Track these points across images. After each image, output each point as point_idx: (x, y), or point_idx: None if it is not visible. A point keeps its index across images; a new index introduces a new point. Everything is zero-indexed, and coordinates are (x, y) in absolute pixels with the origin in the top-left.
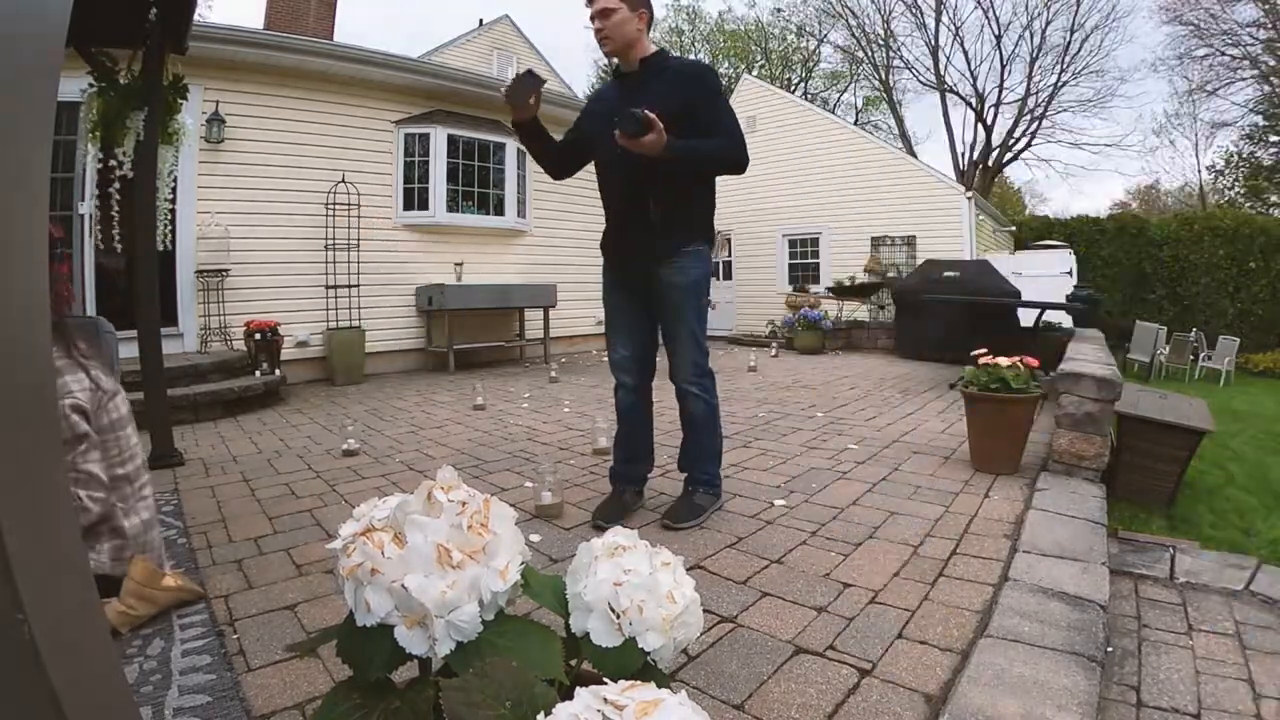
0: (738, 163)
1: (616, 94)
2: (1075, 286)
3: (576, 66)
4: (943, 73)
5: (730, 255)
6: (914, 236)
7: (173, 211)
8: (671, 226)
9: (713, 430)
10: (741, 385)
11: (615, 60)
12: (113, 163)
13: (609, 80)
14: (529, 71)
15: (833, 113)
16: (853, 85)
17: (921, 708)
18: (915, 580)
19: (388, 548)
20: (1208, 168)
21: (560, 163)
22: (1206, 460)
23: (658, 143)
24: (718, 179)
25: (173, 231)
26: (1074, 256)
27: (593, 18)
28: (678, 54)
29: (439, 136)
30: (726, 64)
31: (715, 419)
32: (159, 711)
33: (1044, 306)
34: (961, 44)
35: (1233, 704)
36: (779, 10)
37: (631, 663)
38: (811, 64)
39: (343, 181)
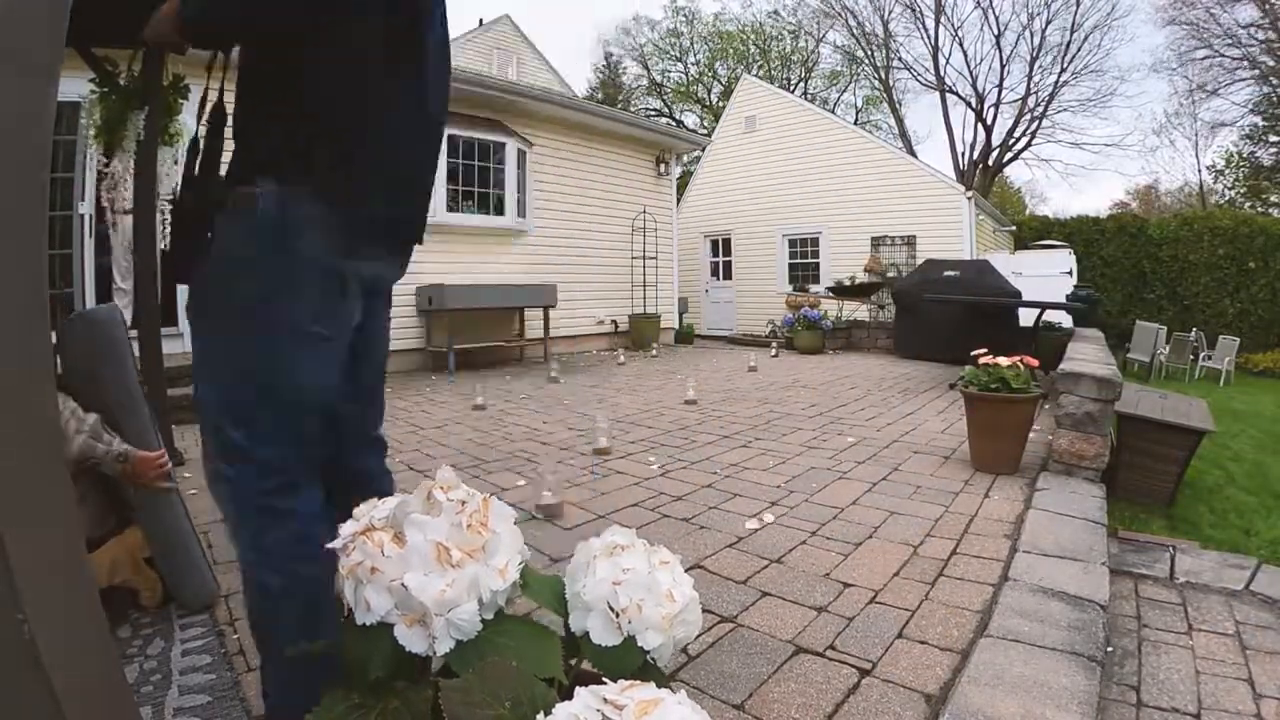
0: None
1: None
2: (1075, 286)
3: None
4: (942, 72)
5: (730, 255)
6: (914, 236)
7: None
8: (237, 159)
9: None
10: (741, 385)
11: None
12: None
13: None
14: None
15: (833, 113)
16: (852, 85)
17: (921, 708)
18: (915, 580)
19: (387, 547)
20: (1208, 168)
21: None
22: (1206, 460)
23: (164, 19)
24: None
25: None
26: (1074, 256)
27: None
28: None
29: None
30: (726, 65)
31: (269, 605)
32: (159, 711)
33: (1044, 306)
34: (961, 44)
35: (1233, 704)
36: (776, 13)
37: (631, 662)
38: (811, 64)
39: None
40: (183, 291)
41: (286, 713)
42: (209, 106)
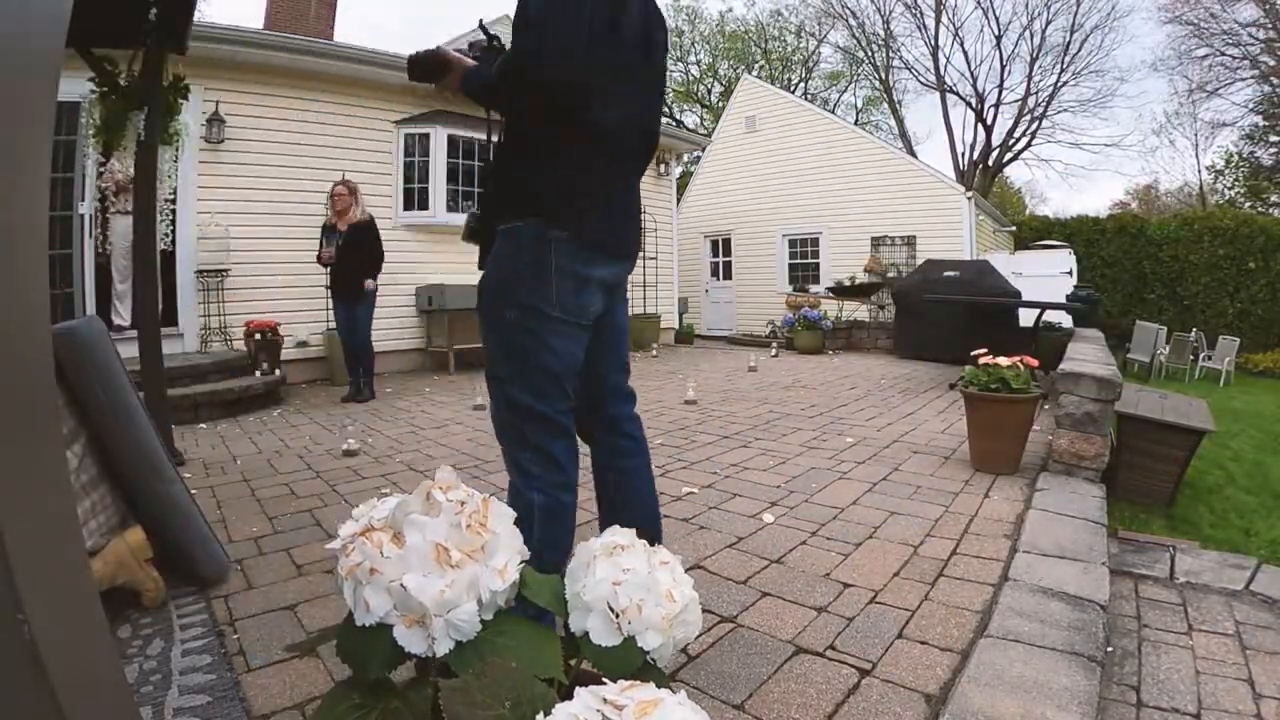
0: (515, 72)
1: None
2: (1075, 286)
3: None
4: (943, 73)
5: (730, 255)
6: (914, 236)
7: (173, 211)
8: (488, 198)
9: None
10: (741, 385)
11: None
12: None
13: None
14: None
15: (833, 113)
16: (853, 85)
17: (921, 708)
18: (915, 580)
19: (386, 547)
20: (1208, 168)
21: None
22: (1206, 460)
23: (452, 83)
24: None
25: (173, 231)
26: (1074, 256)
27: None
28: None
29: (439, 136)
30: (726, 64)
31: (526, 523)
32: (159, 711)
33: (1044, 306)
34: (961, 44)
35: (1233, 704)
36: (779, 13)
37: (631, 662)
38: (811, 64)
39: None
40: (184, 290)
41: None
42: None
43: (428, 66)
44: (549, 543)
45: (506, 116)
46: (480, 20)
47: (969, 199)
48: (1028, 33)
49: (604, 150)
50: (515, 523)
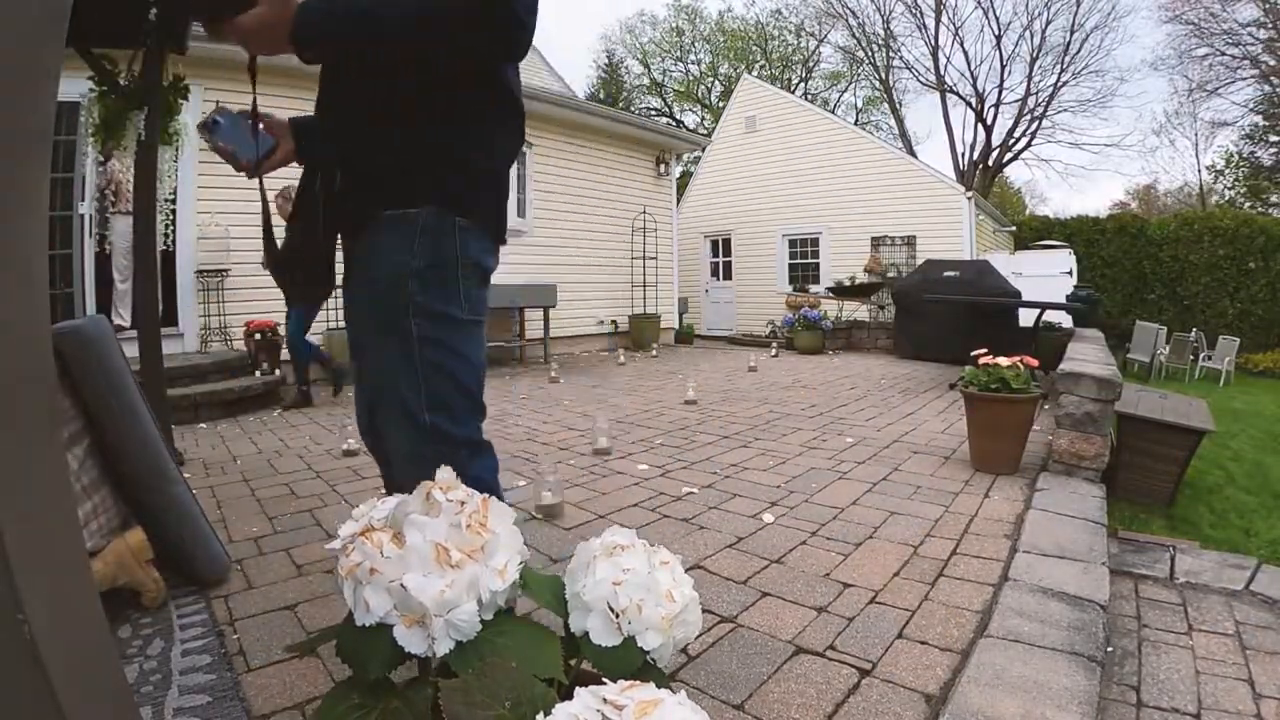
0: (465, 13)
1: None
2: (1075, 286)
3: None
4: (943, 73)
5: (730, 255)
6: (914, 236)
7: (173, 211)
8: (359, 174)
9: None
10: (741, 385)
11: None
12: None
13: None
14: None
15: (833, 113)
16: (853, 85)
17: (921, 708)
18: (915, 580)
19: (386, 547)
20: (1208, 168)
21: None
22: (1206, 460)
23: (269, 25)
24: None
25: (173, 231)
26: (1074, 256)
27: None
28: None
29: None
30: (726, 64)
31: None
32: (159, 711)
33: (1044, 306)
34: (961, 44)
35: (1233, 704)
36: (779, 12)
37: (631, 662)
38: (811, 64)
39: None
40: (184, 290)
41: None
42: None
43: None
44: None
45: (393, 69)
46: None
47: (969, 199)
48: (1028, 33)
49: (512, 119)
50: None
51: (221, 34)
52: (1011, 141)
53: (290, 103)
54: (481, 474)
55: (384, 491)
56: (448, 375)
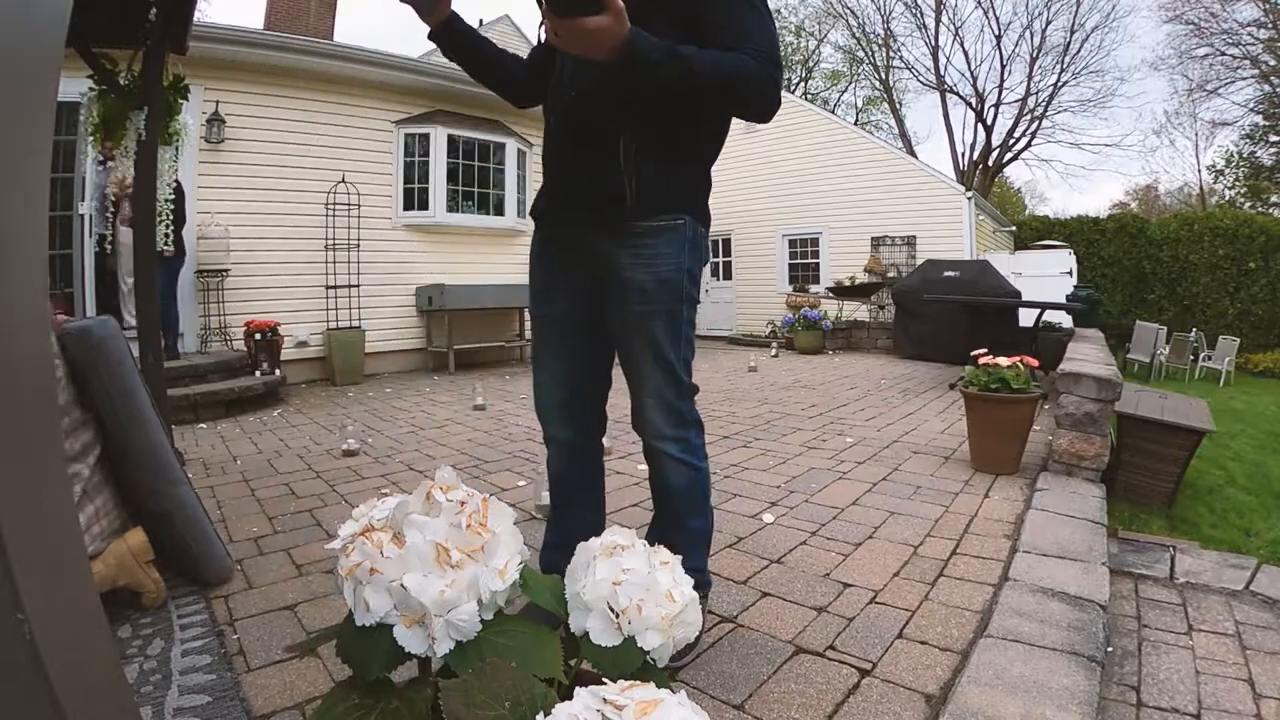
0: (760, 95)
1: None
2: (1075, 286)
3: None
4: (943, 73)
5: (730, 255)
6: (914, 236)
7: (173, 212)
8: (643, 179)
9: (698, 509)
10: (742, 385)
11: None
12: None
13: None
14: None
15: (833, 113)
16: (853, 85)
17: (921, 708)
18: (915, 580)
19: (387, 547)
20: (1208, 168)
21: (514, 80)
22: (1206, 460)
23: (608, 33)
24: (724, 133)
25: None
26: (1074, 256)
27: None
28: None
29: (439, 136)
30: None
31: (702, 491)
32: (159, 711)
33: (1044, 306)
34: (961, 44)
35: (1233, 704)
36: (779, 12)
37: (631, 662)
38: (811, 64)
39: (343, 181)
40: (184, 290)
41: (699, 573)
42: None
43: None
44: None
45: (671, 96)
46: None
47: (969, 199)
48: (1028, 33)
49: (719, 147)
50: (697, 495)
51: (561, 29)
52: (1011, 141)
53: (291, 102)
54: (696, 413)
55: (385, 491)
56: (688, 341)
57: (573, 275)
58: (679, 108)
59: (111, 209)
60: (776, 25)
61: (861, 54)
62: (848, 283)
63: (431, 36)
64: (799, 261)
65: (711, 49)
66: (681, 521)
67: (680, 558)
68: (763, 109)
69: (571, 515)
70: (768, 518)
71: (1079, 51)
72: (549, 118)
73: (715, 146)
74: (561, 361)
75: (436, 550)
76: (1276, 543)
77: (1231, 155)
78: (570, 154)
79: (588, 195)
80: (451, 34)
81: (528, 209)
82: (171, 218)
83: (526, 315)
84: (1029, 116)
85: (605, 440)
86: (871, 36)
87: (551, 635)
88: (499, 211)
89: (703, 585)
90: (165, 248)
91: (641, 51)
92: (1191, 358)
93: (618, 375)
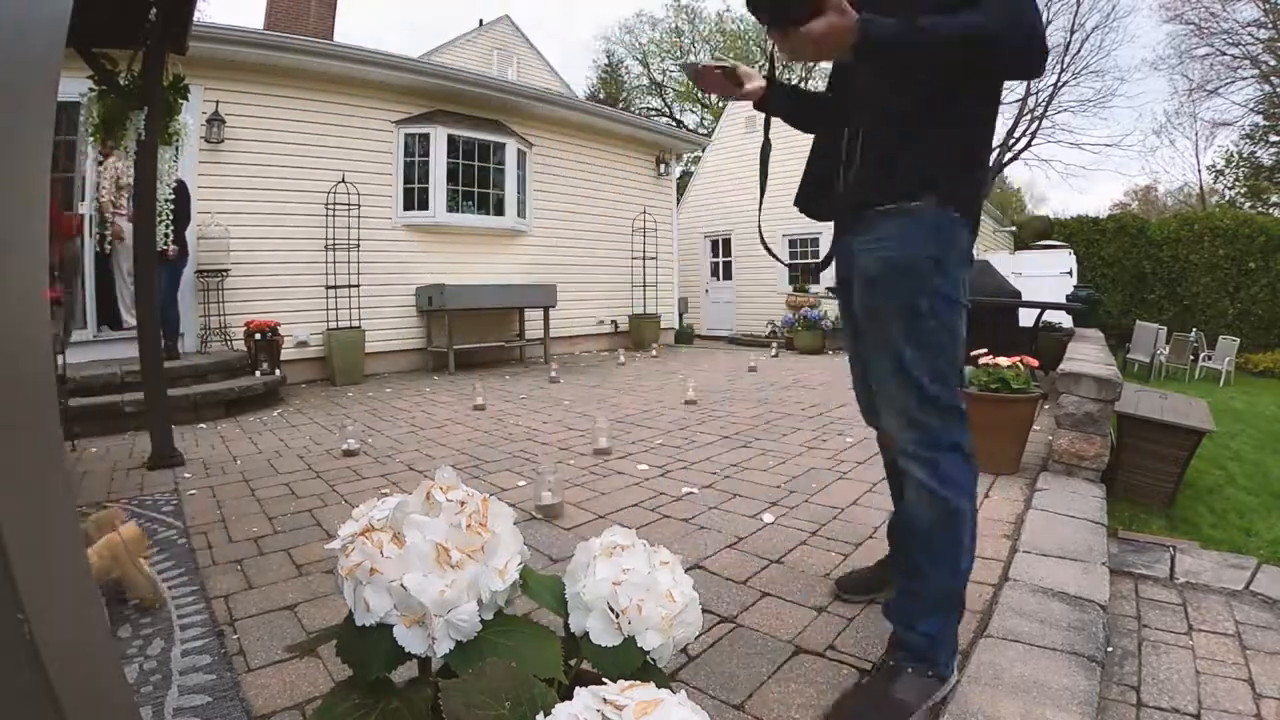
0: (1010, 45)
1: None
2: (1075, 286)
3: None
4: None
5: (730, 255)
6: None
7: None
8: (870, 164)
9: (943, 553)
10: (742, 385)
11: None
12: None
13: None
14: (696, 66)
15: None
16: None
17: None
18: None
19: (387, 547)
20: (1208, 168)
21: (826, 114)
22: (1206, 460)
23: (838, 30)
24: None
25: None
26: (1074, 256)
27: None
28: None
29: (439, 136)
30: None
31: (950, 532)
32: (159, 711)
33: (1044, 306)
34: None
35: (1233, 704)
36: None
37: (631, 662)
38: (811, 64)
39: (343, 181)
40: (184, 290)
41: (930, 641)
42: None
43: (791, 2)
44: (971, 553)
45: (913, 70)
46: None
47: None
48: None
49: (995, 113)
50: (943, 537)
51: (787, 40)
52: (1011, 141)
53: (291, 102)
54: (965, 440)
55: (385, 491)
56: (950, 353)
57: (839, 270)
58: (922, 76)
59: (112, 209)
60: None
61: None
62: None
63: (757, 107)
64: (799, 261)
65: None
66: (919, 563)
67: (678, 556)
68: (1023, 61)
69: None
70: (768, 518)
71: (1079, 51)
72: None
73: (968, 120)
74: (852, 360)
75: (436, 550)
76: (1276, 543)
77: (1231, 155)
78: (827, 152)
79: (841, 188)
80: (771, 97)
81: (528, 209)
82: (172, 217)
83: (526, 315)
84: (1029, 116)
85: (605, 440)
86: None
87: (551, 635)
88: (499, 211)
89: (925, 660)
90: (169, 247)
91: (878, 34)
92: (1191, 358)
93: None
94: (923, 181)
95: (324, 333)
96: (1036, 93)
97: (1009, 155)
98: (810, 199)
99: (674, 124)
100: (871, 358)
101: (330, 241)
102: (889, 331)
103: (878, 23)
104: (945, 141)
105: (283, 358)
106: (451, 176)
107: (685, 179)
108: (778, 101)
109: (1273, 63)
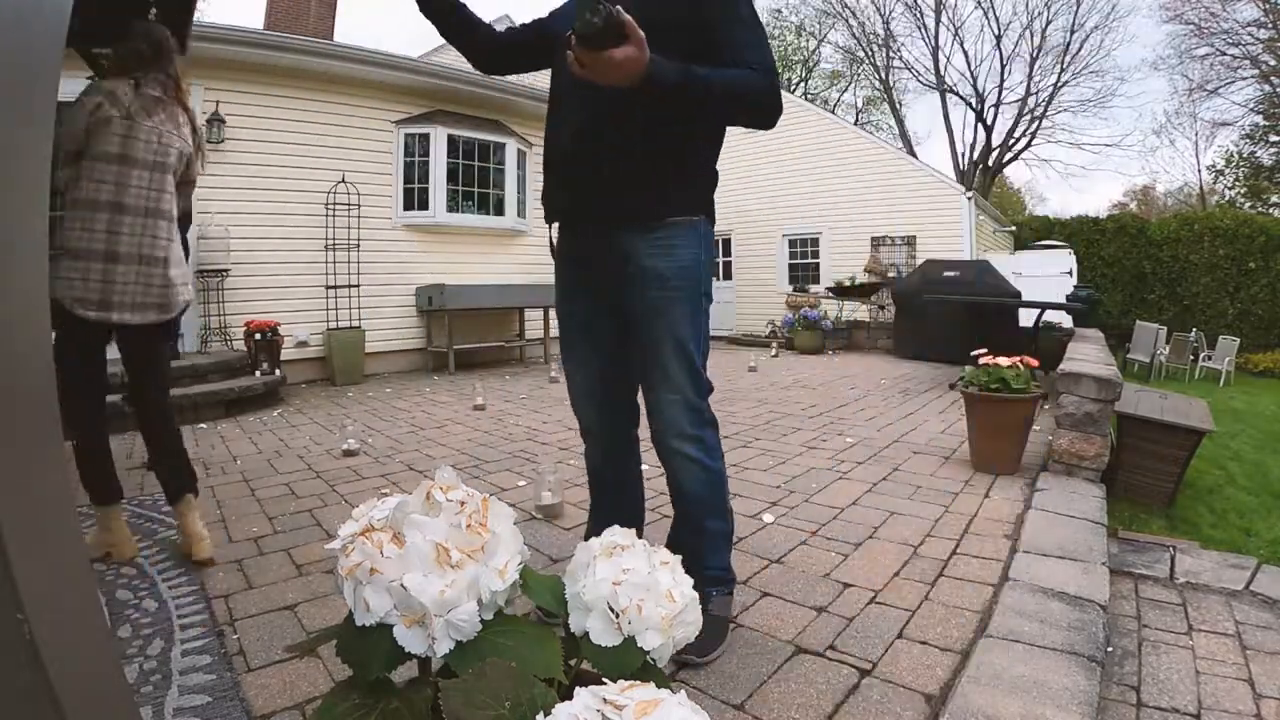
0: (764, 106)
1: None
2: (1075, 286)
3: None
4: (943, 73)
5: (730, 255)
6: (914, 236)
7: None
8: (659, 179)
9: (717, 509)
10: (741, 385)
11: None
12: None
13: None
14: None
15: (833, 112)
16: (853, 85)
17: (921, 708)
18: (915, 580)
19: (387, 547)
20: (1208, 168)
21: (487, 48)
22: (1206, 460)
23: (635, 63)
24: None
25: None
26: (1074, 257)
27: None
28: None
29: (439, 136)
30: None
31: (720, 491)
32: (159, 711)
33: (1044, 306)
34: (961, 44)
35: (1233, 704)
36: (779, 12)
37: (631, 662)
38: (811, 64)
39: (343, 181)
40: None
41: (723, 574)
42: None
43: (607, 26)
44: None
45: (685, 112)
46: None
47: (969, 199)
48: (1028, 33)
49: (719, 152)
50: (716, 496)
51: (589, 58)
52: (1011, 141)
53: (291, 102)
54: (710, 409)
55: (385, 491)
56: (706, 336)
57: (594, 271)
58: (692, 120)
59: None
60: (772, 30)
61: (861, 54)
62: (848, 283)
63: None
64: (799, 261)
65: (717, 67)
66: (701, 524)
67: (678, 556)
68: (769, 117)
69: (604, 510)
70: (768, 518)
71: (1079, 51)
72: (559, 130)
73: (717, 152)
74: (586, 355)
75: (436, 550)
76: (1276, 543)
77: (1231, 155)
78: (585, 158)
79: (606, 196)
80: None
81: (528, 209)
82: None
83: (526, 315)
84: (1029, 116)
85: None
86: (871, 36)
87: (551, 635)
88: (499, 211)
89: (727, 583)
90: None
91: (661, 75)
92: (1191, 358)
93: None
94: (696, 199)
95: (324, 333)
96: (1036, 93)
97: (1009, 155)
98: (564, 205)
99: None
100: (652, 350)
101: (330, 241)
102: (674, 319)
103: (664, 65)
104: (706, 167)
105: (283, 358)
106: (451, 176)
107: None
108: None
109: (1273, 63)
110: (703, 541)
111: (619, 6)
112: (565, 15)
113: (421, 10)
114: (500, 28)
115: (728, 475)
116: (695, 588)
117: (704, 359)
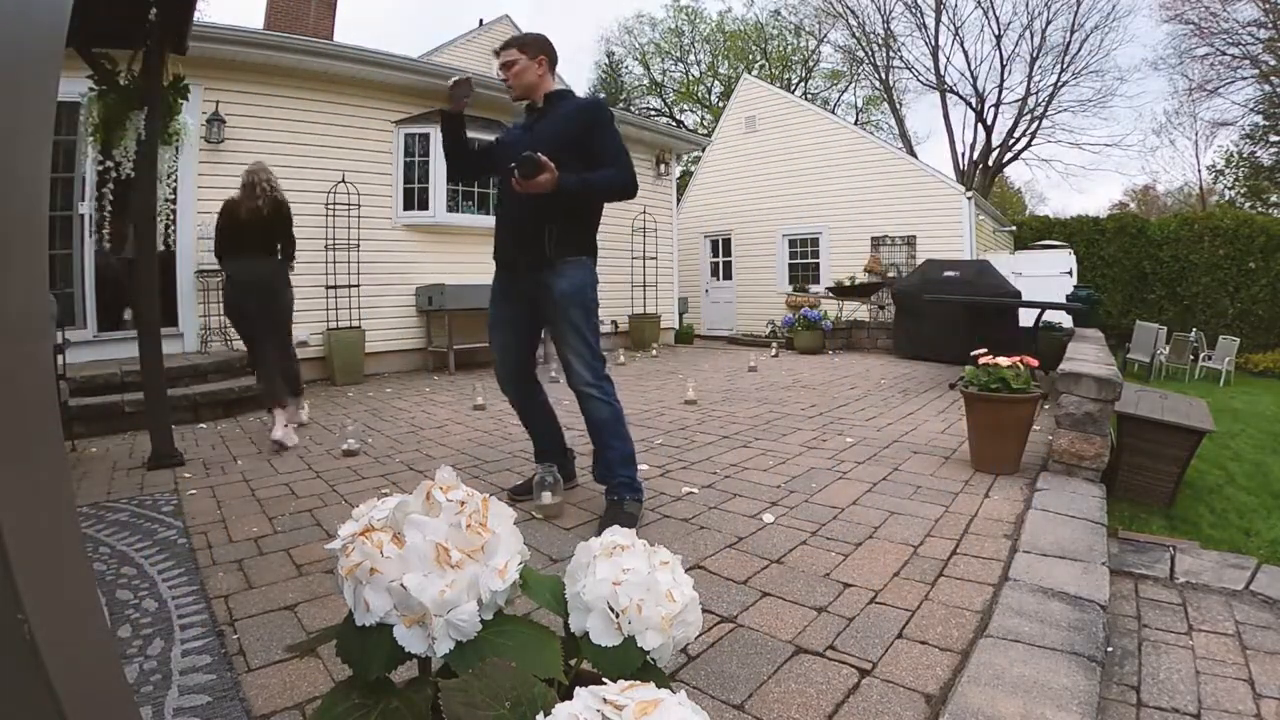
0: (625, 189)
1: (524, 126)
2: (1075, 286)
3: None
4: (943, 73)
5: (730, 255)
6: (914, 236)
7: (173, 211)
8: (561, 238)
9: (620, 434)
10: (741, 385)
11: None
12: (110, 164)
13: (523, 115)
14: (468, 79)
15: (833, 112)
16: (853, 85)
17: (921, 708)
18: (915, 580)
19: (387, 547)
20: (1208, 168)
21: (466, 166)
22: (1206, 460)
23: (551, 181)
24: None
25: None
26: (1074, 256)
27: (500, 68)
28: (579, 94)
29: (439, 137)
30: (726, 64)
31: (620, 422)
32: (159, 711)
33: (1044, 306)
34: (961, 44)
35: (1233, 704)
36: (778, 13)
37: (631, 662)
38: (811, 64)
39: (343, 181)
40: (184, 290)
41: (630, 482)
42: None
43: (535, 165)
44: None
45: (578, 201)
46: (469, 77)
47: (969, 199)
48: (1028, 33)
49: (600, 217)
50: (617, 424)
51: (525, 183)
52: (1011, 141)
53: (291, 102)
54: (606, 369)
55: (385, 491)
56: (595, 324)
57: (517, 293)
58: (582, 203)
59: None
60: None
61: (861, 54)
62: (847, 283)
63: (447, 116)
64: (799, 261)
65: (595, 169)
66: (609, 443)
67: (678, 556)
68: (629, 196)
69: (539, 430)
70: (768, 518)
71: (1079, 51)
72: (499, 213)
73: (599, 218)
74: (503, 348)
75: (436, 550)
76: (1276, 543)
77: (1231, 155)
78: (518, 234)
79: (531, 253)
80: (459, 121)
81: None
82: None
83: None
84: (1029, 116)
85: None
86: (871, 36)
87: (551, 635)
88: None
89: (634, 489)
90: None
91: (565, 183)
92: (1191, 358)
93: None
94: (585, 247)
95: (324, 332)
96: (1036, 93)
97: (1009, 155)
98: (508, 259)
99: (674, 124)
100: (564, 336)
101: (330, 241)
102: (576, 321)
103: (566, 177)
104: (590, 228)
105: None
106: (451, 176)
107: (685, 179)
108: (455, 128)
109: (1273, 63)
110: (612, 456)
111: (540, 154)
112: (505, 143)
113: (444, 129)
114: (501, 31)
115: (719, 475)
116: (609, 493)
117: (595, 337)
